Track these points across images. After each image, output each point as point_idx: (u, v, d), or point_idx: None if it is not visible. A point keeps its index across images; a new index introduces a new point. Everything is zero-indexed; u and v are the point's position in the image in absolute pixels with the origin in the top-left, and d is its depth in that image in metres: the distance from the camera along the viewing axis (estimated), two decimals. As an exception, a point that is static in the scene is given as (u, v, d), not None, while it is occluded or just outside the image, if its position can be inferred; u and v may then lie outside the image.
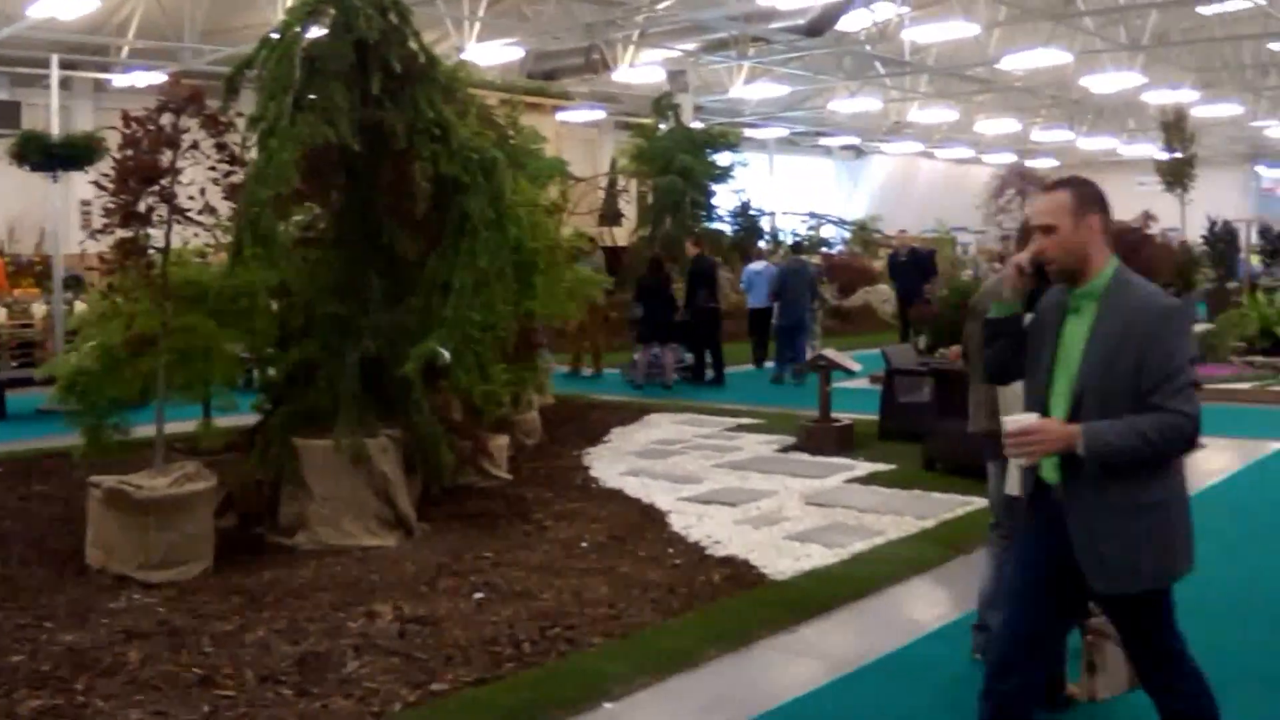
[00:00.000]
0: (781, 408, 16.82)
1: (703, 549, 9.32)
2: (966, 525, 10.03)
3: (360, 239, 10.36)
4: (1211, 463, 12.95)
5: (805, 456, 13.31)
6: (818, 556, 9.01)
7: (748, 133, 41.14)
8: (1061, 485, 4.49)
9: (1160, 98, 37.58)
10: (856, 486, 11.70)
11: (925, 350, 20.76)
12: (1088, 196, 4.56)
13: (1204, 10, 32.73)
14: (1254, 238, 34.25)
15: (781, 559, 8.98)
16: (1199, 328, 23.14)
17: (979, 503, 10.58)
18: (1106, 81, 35.47)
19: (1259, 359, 20.37)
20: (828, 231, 38.50)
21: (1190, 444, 4.35)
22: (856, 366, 14.77)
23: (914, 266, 24.25)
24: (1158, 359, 4.29)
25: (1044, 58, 31.85)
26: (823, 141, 50.37)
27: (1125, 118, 48.43)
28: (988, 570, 6.86)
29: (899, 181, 55.08)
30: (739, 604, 7.99)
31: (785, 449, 13.81)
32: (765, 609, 7.84)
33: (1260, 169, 59.53)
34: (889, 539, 9.64)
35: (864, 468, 12.57)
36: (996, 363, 4.80)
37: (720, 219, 30.81)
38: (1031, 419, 4.39)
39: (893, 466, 12.54)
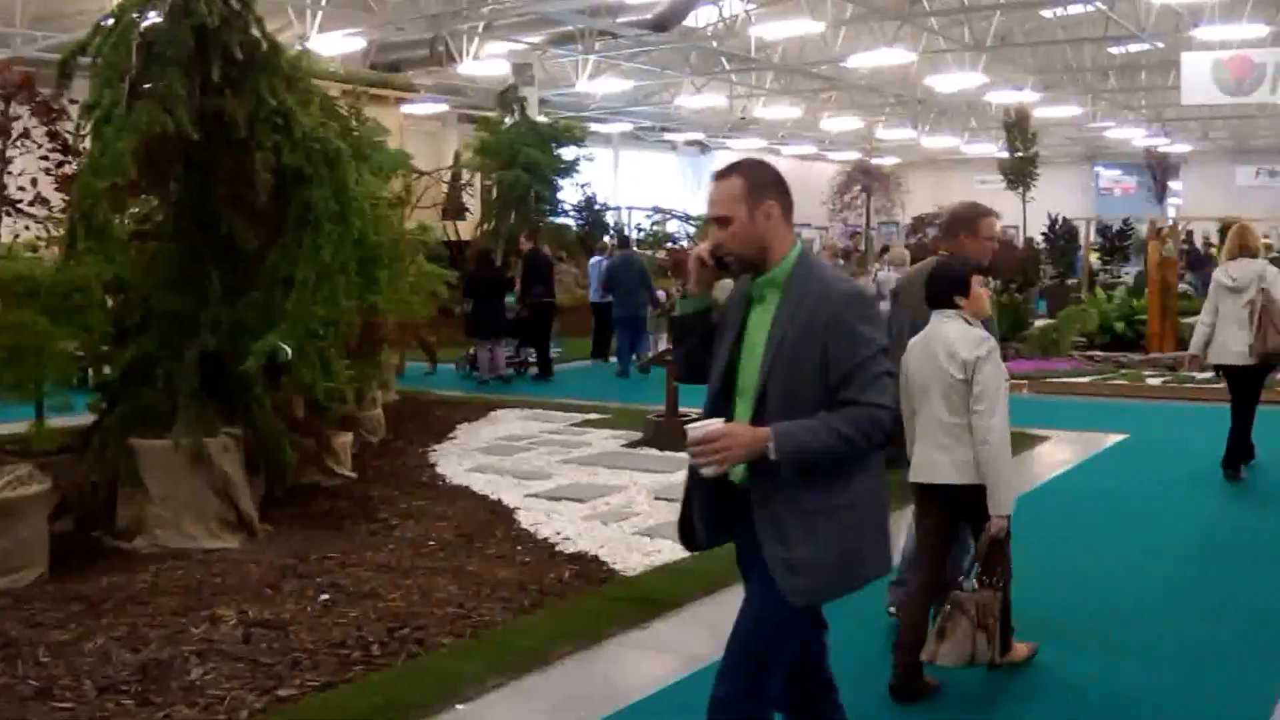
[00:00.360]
0: (629, 403, 16.77)
1: (552, 546, 9.23)
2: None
3: (199, 231, 10.05)
4: (1053, 456, 13.22)
5: (653, 451, 13.24)
6: (668, 551, 8.91)
7: (593, 127, 40.92)
8: (749, 488, 4.22)
9: (1002, 98, 38.26)
10: None
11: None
12: (762, 181, 4.27)
13: (1046, 13, 33.39)
14: (1093, 236, 35.00)
15: (631, 554, 8.93)
16: (1039, 323, 23.64)
17: (828, 495, 10.68)
18: (950, 81, 36.05)
19: (1098, 354, 20.93)
20: (673, 227, 38.57)
21: (889, 437, 4.10)
22: None
23: None
24: (844, 349, 4.04)
25: (889, 57, 32.28)
26: (668, 137, 50.51)
27: (968, 117, 49.15)
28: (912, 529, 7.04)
29: (743, 177, 55.11)
30: (589, 601, 7.91)
31: (633, 444, 13.75)
32: (616, 605, 7.78)
33: (1099, 169, 60.87)
34: (739, 534, 9.61)
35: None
36: (686, 362, 4.53)
37: (565, 213, 30.73)
38: (715, 424, 4.08)
39: (742, 461, 12.53)
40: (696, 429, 4.06)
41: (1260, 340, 11.42)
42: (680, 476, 11.52)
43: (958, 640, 6.11)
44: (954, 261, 6.70)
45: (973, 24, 32.73)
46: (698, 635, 7.40)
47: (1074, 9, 32.58)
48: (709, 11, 30.82)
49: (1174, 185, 55.14)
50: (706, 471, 4.09)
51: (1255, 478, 12.11)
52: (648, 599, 7.90)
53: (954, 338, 6.20)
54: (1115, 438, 14.29)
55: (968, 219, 7.19)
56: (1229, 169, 56.04)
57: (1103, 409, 16.52)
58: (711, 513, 4.50)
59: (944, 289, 6.36)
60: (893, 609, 7.19)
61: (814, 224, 46.29)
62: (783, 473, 4.06)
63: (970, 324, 6.27)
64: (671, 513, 10.11)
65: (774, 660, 4.32)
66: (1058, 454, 13.30)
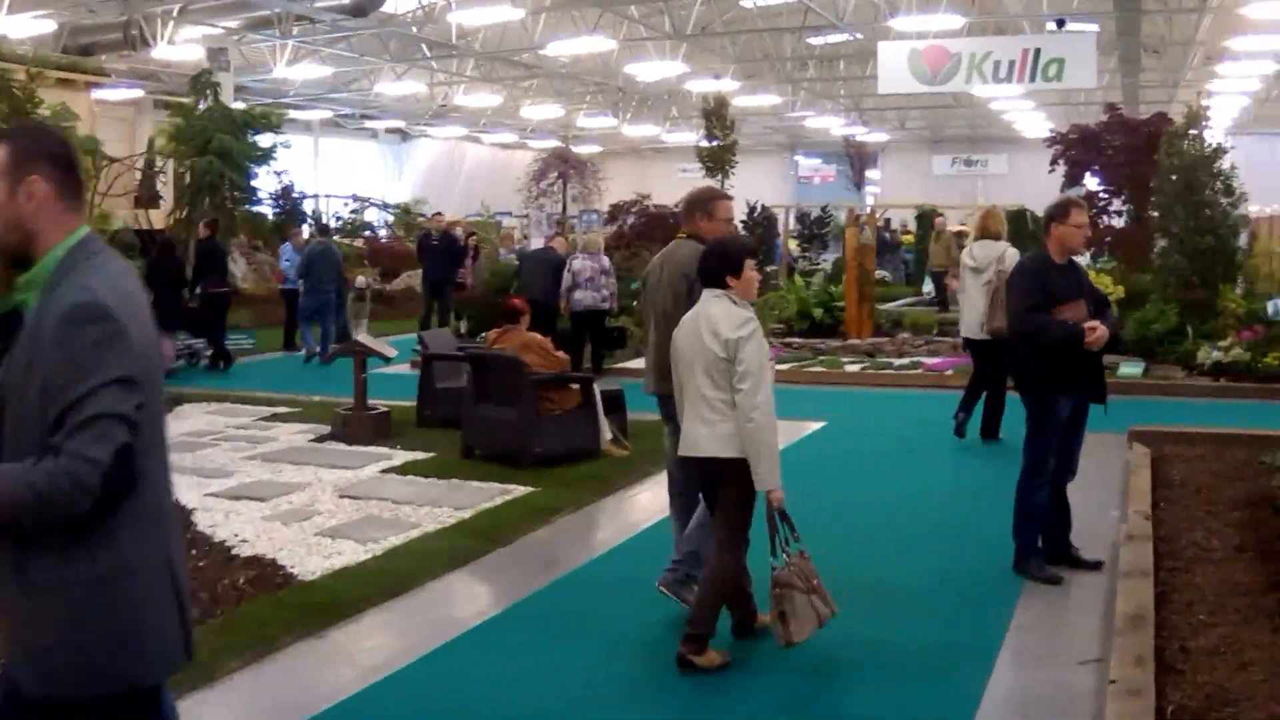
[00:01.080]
0: (320, 395, 16.12)
1: (229, 549, 8.75)
2: (504, 515, 9.83)
3: None
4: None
5: (341, 446, 12.73)
6: (350, 553, 8.56)
7: (292, 114, 40.12)
8: None
9: (703, 87, 38.51)
10: (393, 477, 11.25)
11: (467, 334, 20.57)
12: (30, 152, 3.34)
13: (746, 3, 33.72)
14: (792, 223, 35.54)
15: (311, 557, 8.50)
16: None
17: (518, 491, 10.53)
18: (650, 69, 36.16)
19: (797, 340, 20.99)
20: (371, 215, 37.98)
21: (92, 501, 3.06)
22: (392, 352, 14.29)
23: (445, 250, 23.47)
24: (61, 381, 3.08)
25: (589, 44, 32.24)
26: (369, 124, 49.68)
27: (669, 106, 49.50)
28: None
29: (445, 165, 54.73)
30: (264, 608, 7.46)
31: (321, 439, 13.21)
32: (292, 612, 7.35)
33: (799, 158, 62.07)
34: (425, 531, 9.26)
35: (401, 457, 12.10)
36: None
37: (261, 201, 29.87)
38: None
39: (431, 455, 12.15)
40: None
41: (990, 318, 12.07)
42: (369, 471, 11.19)
43: (801, 613, 6.33)
44: (730, 242, 6.86)
45: (673, 13, 32.78)
46: (376, 644, 7.12)
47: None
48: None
49: (872, 174, 56.69)
50: None
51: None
52: (326, 605, 7.50)
53: (719, 316, 6.39)
54: (813, 425, 14.24)
55: (704, 201, 7.53)
56: (926, 157, 58.23)
57: (802, 396, 16.62)
58: None
59: (717, 268, 6.54)
60: (663, 588, 7.33)
61: (515, 212, 46.22)
62: None
63: (736, 304, 6.45)
64: (356, 511, 9.85)
65: None
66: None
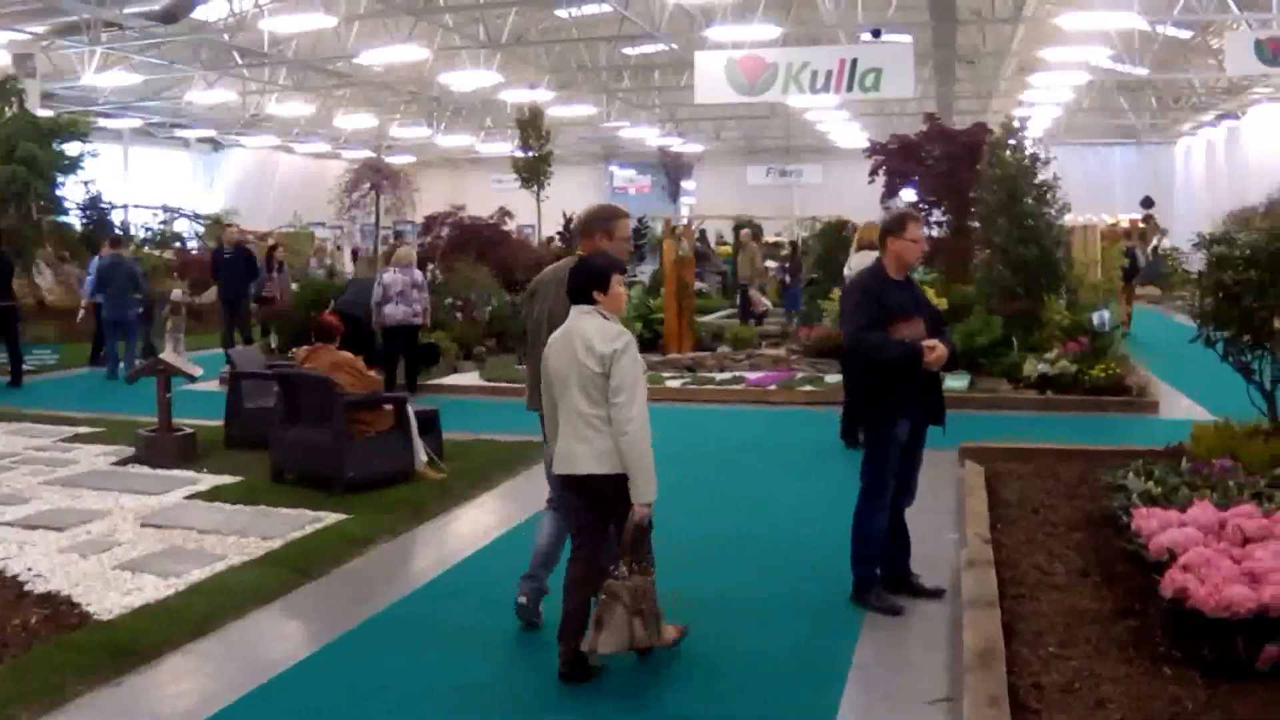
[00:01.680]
0: (125, 414, 15.24)
1: (21, 584, 8.22)
2: (316, 545, 9.39)
3: None
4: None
5: (145, 470, 12.14)
6: (151, 589, 8.07)
7: (101, 122, 38.88)
8: None
9: (518, 97, 38.24)
10: (199, 503, 10.69)
11: (278, 350, 19.98)
12: None
13: (561, 12, 33.45)
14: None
15: (110, 593, 8.00)
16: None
17: (329, 518, 10.11)
18: (465, 79, 35.77)
19: None
20: (181, 226, 36.93)
21: None
22: (197, 371, 13.71)
23: (239, 263, 22.52)
24: None
25: (403, 53, 31.80)
26: (180, 133, 48.34)
27: (483, 116, 49.08)
28: (547, 529, 7.47)
29: (257, 175, 53.49)
30: (56, 652, 6.95)
31: (124, 461, 12.57)
32: (85, 656, 6.86)
33: (614, 169, 61.84)
34: (231, 564, 8.77)
35: (208, 481, 11.52)
36: None
37: (68, 211, 28.87)
38: None
39: (239, 478, 11.58)
40: None
41: None
42: (174, 497, 10.68)
43: (615, 628, 6.30)
44: (595, 259, 6.78)
45: (488, 22, 32.47)
46: (178, 691, 6.68)
47: (589, 9, 32.79)
48: (220, 6, 29.48)
49: (688, 184, 56.78)
50: None
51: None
52: (124, 647, 7.03)
53: (591, 332, 6.41)
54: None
55: (605, 219, 7.39)
56: (740, 168, 58.10)
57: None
58: None
59: (584, 285, 6.56)
60: (522, 599, 7.43)
61: (328, 223, 45.43)
62: None
63: (607, 319, 6.49)
64: (159, 541, 9.34)
65: None
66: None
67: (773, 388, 17.60)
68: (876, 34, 27.06)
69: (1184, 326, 12.15)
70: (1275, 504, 7.85)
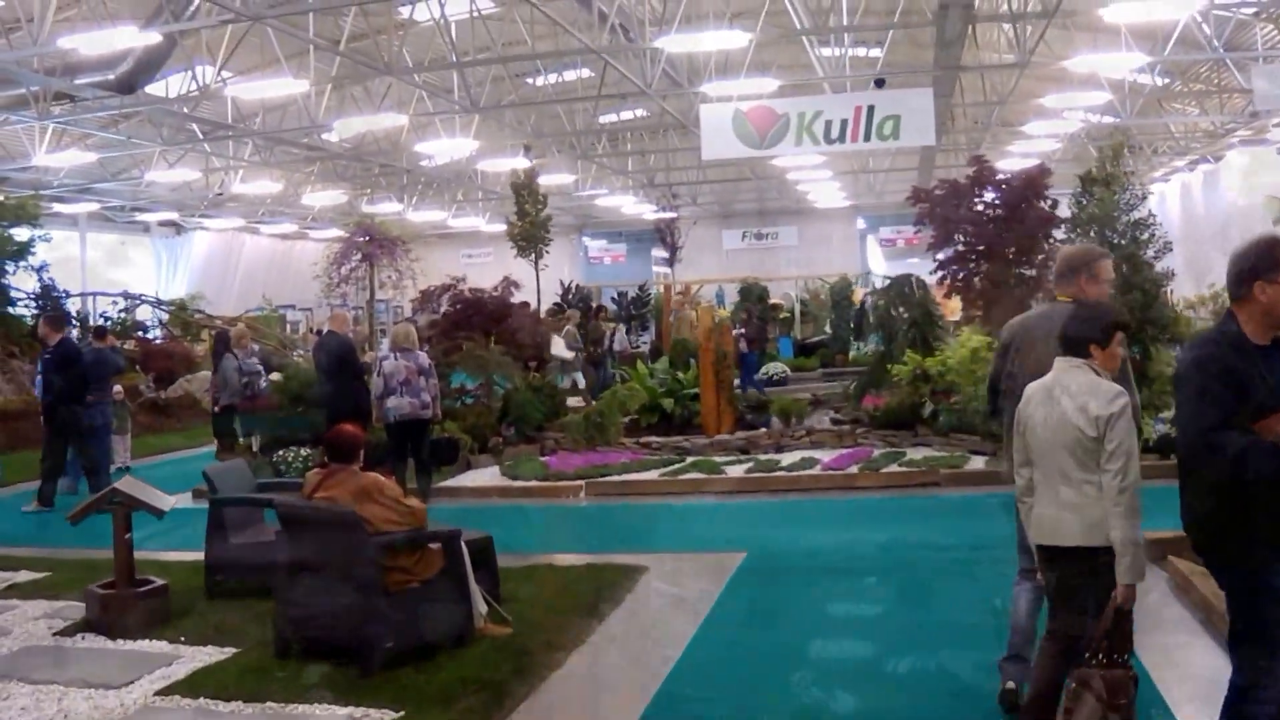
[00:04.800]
0: (77, 549, 11.39)
1: None
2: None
3: None
4: (677, 602, 9.58)
5: (100, 643, 8.50)
6: None
7: (56, 207, 35.69)
8: None
9: (494, 166, 36.09)
10: (177, 703, 7.12)
11: (259, 453, 16.50)
12: None
13: (538, 82, 32.05)
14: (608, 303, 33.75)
15: None
16: (571, 402, 20.59)
17: (375, 722, 6.62)
18: (440, 147, 33.62)
19: (655, 440, 18.09)
20: (144, 314, 33.66)
21: None
22: (167, 504, 9.40)
23: (60, 363, 15.80)
24: None
25: (376, 121, 29.42)
26: (140, 217, 44.90)
27: (455, 189, 46.65)
28: (1025, 601, 6.53)
29: (222, 258, 50.06)
30: None
31: (72, 629, 8.87)
32: None
33: (586, 239, 59.72)
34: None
35: (188, 660, 7.93)
36: None
37: (16, 302, 25.49)
38: None
39: (230, 653, 8.06)
40: None
41: None
42: (140, 691, 6.80)
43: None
44: (1104, 309, 5.85)
45: (465, 87, 29.48)
46: None
47: (569, 75, 30.32)
48: (181, 76, 26.18)
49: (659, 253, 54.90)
50: None
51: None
52: None
53: (1084, 390, 5.52)
54: (734, 558, 10.68)
55: (1088, 262, 6.54)
56: (716, 232, 56.21)
57: (692, 514, 13.20)
58: None
59: (1085, 335, 5.64)
60: (1010, 684, 6.43)
61: (299, 305, 42.48)
62: None
63: (1099, 375, 5.60)
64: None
65: None
66: (680, 592, 9.73)
67: (854, 469, 14.56)
68: (880, 84, 24.33)
69: None
70: None
